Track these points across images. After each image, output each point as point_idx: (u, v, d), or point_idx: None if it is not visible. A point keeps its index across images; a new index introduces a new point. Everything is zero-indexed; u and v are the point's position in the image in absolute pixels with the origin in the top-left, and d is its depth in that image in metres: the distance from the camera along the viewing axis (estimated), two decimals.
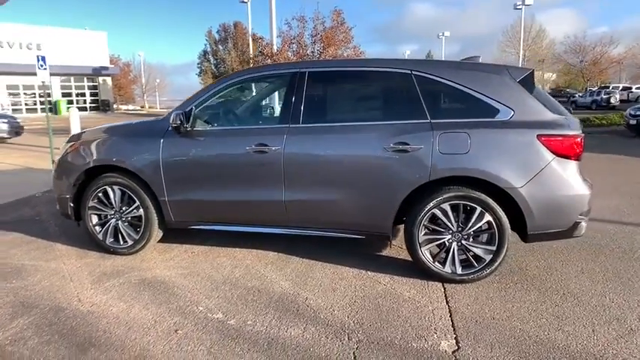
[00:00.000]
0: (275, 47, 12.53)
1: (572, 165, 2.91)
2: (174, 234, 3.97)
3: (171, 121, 3.29)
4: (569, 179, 2.90)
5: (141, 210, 3.55)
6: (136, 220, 3.59)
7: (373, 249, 3.77)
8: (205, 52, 47.04)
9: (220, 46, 45.44)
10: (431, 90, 3.12)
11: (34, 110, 31.38)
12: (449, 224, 3.04)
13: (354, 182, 3.14)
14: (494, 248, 3.00)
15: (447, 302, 2.85)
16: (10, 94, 30.37)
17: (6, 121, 10.80)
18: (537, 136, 2.88)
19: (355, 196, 3.16)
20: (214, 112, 3.59)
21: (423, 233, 3.08)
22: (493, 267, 3.02)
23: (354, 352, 2.30)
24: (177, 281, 3.20)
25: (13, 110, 28.80)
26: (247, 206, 3.37)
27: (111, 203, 3.61)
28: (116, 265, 3.51)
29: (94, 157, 3.60)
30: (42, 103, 30.00)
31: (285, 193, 3.24)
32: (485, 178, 2.90)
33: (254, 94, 3.73)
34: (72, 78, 33.37)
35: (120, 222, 3.63)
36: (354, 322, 2.61)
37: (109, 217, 3.65)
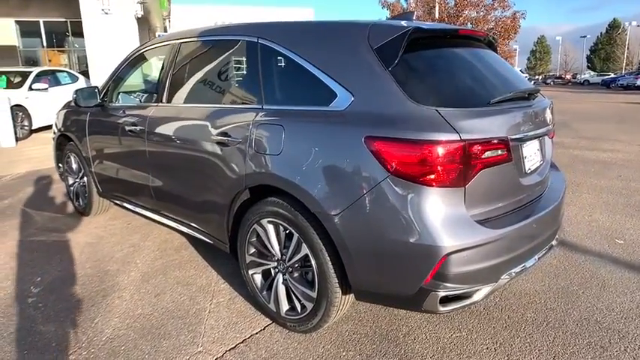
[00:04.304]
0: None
1: (424, 192, 1.70)
2: None
3: (71, 97, 3.41)
4: (412, 216, 1.71)
5: (85, 177, 3.85)
6: (84, 186, 3.93)
7: None
8: None
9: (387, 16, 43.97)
10: (272, 65, 2.28)
11: None
12: (270, 248, 2.25)
13: (190, 176, 2.64)
14: (314, 295, 2.08)
15: (233, 348, 2.16)
16: None
17: None
18: (365, 138, 1.78)
19: (192, 193, 2.66)
20: (121, 89, 3.51)
21: (250, 252, 2.38)
22: (315, 320, 2.10)
23: None
24: (75, 248, 3.38)
25: None
26: (131, 187, 3.26)
27: (72, 169, 4.03)
28: (66, 223, 3.94)
29: (59, 128, 4.05)
30: None
31: (150, 178, 2.98)
32: (293, 193, 2.00)
33: (156, 68, 3.47)
34: None
35: (79, 186, 4.04)
36: (103, 336, 2.26)
37: (74, 180, 4.10)
